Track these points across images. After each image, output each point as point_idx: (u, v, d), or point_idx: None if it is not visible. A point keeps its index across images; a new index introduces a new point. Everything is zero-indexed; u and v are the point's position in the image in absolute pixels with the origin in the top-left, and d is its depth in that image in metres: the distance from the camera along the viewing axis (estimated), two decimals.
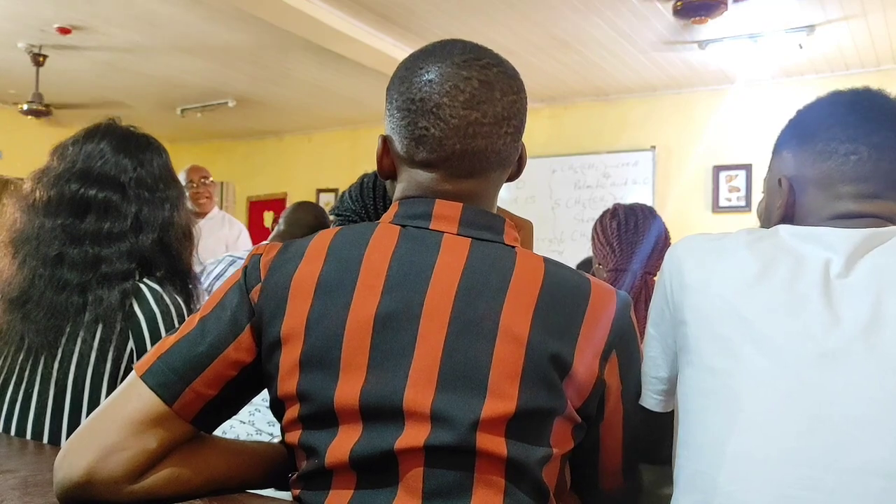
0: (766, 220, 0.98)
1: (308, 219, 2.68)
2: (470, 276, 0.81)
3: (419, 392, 0.76)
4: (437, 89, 0.85)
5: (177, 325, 1.30)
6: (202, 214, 3.73)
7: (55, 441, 1.21)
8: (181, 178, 3.70)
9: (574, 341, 0.81)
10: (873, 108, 0.91)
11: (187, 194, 3.67)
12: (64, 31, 4.31)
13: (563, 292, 0.82)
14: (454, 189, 0.87)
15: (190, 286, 1.39)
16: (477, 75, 0.85)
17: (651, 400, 0.93)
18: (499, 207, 0.95)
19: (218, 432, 0.90)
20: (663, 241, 1.91)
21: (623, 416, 0.89)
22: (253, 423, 1.37)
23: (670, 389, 0.91)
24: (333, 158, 6.53)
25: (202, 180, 3.81)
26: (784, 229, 0.86)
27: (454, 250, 0.83)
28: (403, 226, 0.86)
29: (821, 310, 0.77)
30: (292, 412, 0.81)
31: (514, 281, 0.81)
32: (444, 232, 0.85)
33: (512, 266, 0.82)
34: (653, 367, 0.92)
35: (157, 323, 1.28)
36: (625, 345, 0.86)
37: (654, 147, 5.13)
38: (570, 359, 0.80)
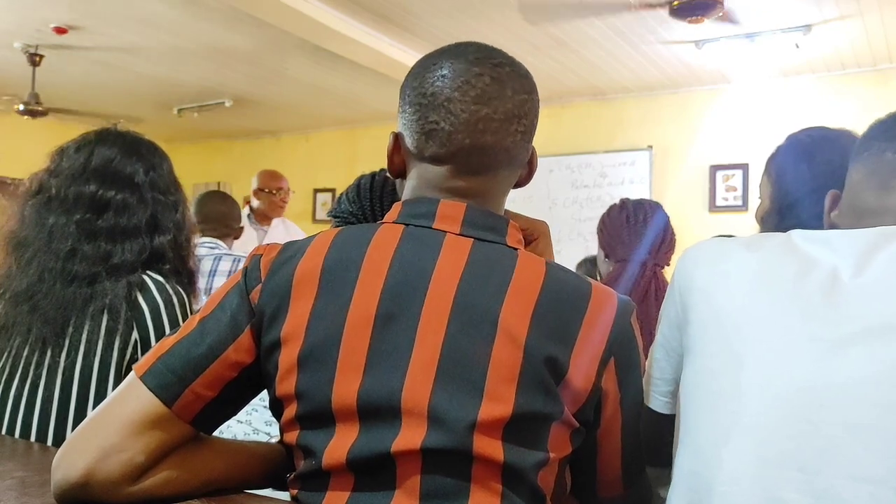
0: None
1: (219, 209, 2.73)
2: (470, 276, 0.81)
3: (416, 391, 0.76)
4: (448, 84, 0.85)
5: (179, 315, 1.33)
6: (268, 221, 3.64)
7: (60, 435, 1.21)
8: (259, 182, 3.68)
9: (571, 346, 0.80)
10: None
11: (265, 201, 3.59)
12: (60, 30, 4.30)
13: (562, 296, 0.82)
14: (463, 186, 0.87)
15: (194, 282, 1.44)
16: (489, 72, 0.86)
17: (657, 401, 0.93)
18: (508, 211, 0.95)
19: (215, 432, 0.90)
20: (671, 235, 1.93)
21: (622, 423, 0.88)
22: (250, 422, 1.37)
23: (676, 391, 0.90)
24: (330, 158, 6.52)
25: (289, 189, 3.74)
26: (796, 233, 0.86)
27: (455, 250, 0.83)
28: (406, 224, 0.86)
29: (824, 313, 0.77)
30: (290, 412, 0.81)
31: (514, 282, 0.81)
32: (446, 232, 0.84)
33: (512, 267, 0.82)
34: (657, 369, 0.92)
35: (161, 313, 1.30)
36: (624, 351, 0.85)
37: (650, 147, 5.13)
38: (567, 363, 0.79)
